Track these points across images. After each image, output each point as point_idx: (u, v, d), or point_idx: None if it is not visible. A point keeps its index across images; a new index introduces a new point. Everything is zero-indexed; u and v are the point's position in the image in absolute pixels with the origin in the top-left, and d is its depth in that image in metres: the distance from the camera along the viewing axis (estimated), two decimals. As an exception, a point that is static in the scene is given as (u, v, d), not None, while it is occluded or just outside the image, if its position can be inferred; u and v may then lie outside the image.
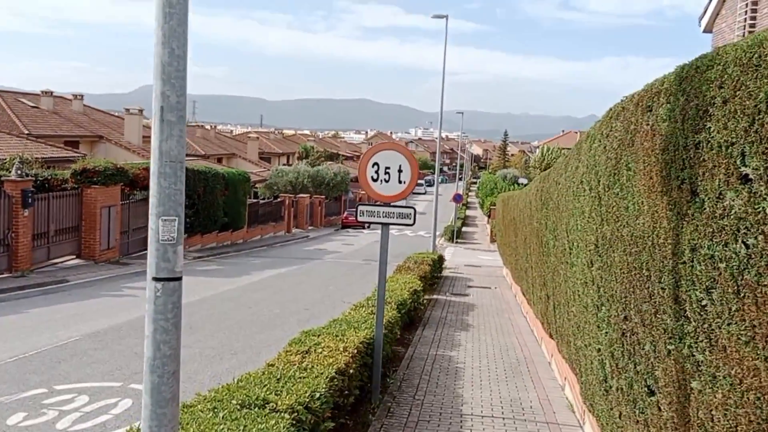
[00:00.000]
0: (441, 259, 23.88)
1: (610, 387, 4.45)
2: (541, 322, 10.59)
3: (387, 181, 8.16)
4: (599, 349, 4.77)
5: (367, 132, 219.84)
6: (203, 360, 10.59)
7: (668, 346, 3.20)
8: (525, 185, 41.73)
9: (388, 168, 8.15)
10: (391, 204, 8.29)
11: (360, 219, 8.46)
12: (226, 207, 32.02)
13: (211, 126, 77.36)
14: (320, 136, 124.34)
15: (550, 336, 9.58)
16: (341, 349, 7.15)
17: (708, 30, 15.16)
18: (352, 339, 7.63)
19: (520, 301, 17.34)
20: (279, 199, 44.20)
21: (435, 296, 18.67)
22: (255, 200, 41.60)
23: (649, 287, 3.45)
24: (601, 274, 4.66)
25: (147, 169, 25.62)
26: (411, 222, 8.28)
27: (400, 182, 8.17)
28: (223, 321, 13.81)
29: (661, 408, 3.33)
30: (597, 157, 4.90)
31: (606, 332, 4.50)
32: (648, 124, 3.48)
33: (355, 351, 7.27)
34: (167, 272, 3.44)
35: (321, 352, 6.97)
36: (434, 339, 12.53)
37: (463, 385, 9.38)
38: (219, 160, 50.99)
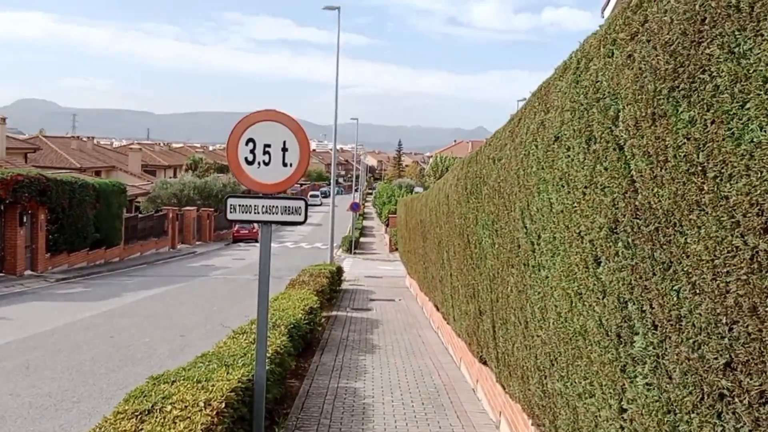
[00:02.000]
0: (340, 270, 21.86)
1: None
2: (467, 342, 8.62)
3: (267, 164, 5.95)
4: (623, 410, 2.77)
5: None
6: (31, 414, 8.01)
7: None
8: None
9: (268, 146, 5.95)
10: (274, 195, 6.08)
11: (230, 217, 6.14)
12: (98, 222, 28.72)
13: (88, 138, 71.44)
14: (211, 149, 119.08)
15: (482, 361, 7.64)
16: (202, 403, 4.88)
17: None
18: (220, 385, 5.36)
19: (429, 314, 15.47)
20: (162, 213, 40.67)
21: (334, 312, 16.55)
22: (134, 214, 38.06)
23: None
24: (630, 278, 2.66)
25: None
26: (301, 218, 6.07)
27: (285, 165, 5.96)
28: (74, 357, 11.12)
29: None
30: (605, 83, 2.91)
31: (649, 384, 2.50)
32: None
33: (223, 405, 5.00)
34: None
35: (170, 412, 4.68)
36: (335, 366, 10.39)
37: (374, 430, 7.29)
38: (98, 173, 46.58)
